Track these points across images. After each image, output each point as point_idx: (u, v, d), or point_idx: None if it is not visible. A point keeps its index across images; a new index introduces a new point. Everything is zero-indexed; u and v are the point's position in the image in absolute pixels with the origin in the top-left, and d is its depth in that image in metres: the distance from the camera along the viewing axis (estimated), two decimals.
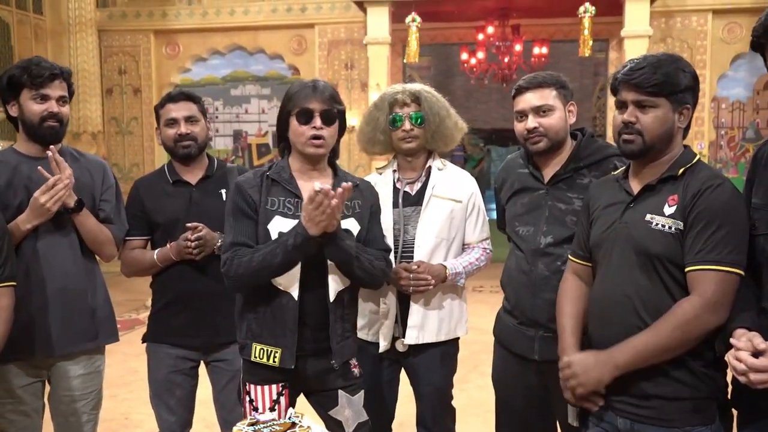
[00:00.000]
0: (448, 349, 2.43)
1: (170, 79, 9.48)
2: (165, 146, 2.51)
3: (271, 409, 2.05)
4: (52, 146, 2.15)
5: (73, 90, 2.34)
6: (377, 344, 2.37)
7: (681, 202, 1.65)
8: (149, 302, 2.63)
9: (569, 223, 2.08)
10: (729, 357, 1.49)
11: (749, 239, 1.61)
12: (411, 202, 2.39)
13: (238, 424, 1.69)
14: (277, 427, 1.64)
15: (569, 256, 1.99)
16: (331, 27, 9.22)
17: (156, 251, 2.43)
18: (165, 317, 2.47)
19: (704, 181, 1.64)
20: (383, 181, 2.42)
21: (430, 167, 2.41)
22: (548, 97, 2.12)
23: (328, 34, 9.24)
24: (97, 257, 2.37)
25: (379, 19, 8.08)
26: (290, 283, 1.99)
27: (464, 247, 2.43)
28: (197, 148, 2.47)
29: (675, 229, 1.64)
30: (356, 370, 2.15)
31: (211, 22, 9.33)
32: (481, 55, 8.30)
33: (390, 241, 2.30)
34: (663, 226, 1.66)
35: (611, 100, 8.15)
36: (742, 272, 1.59)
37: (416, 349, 2.36)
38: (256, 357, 2.04)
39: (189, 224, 2.34)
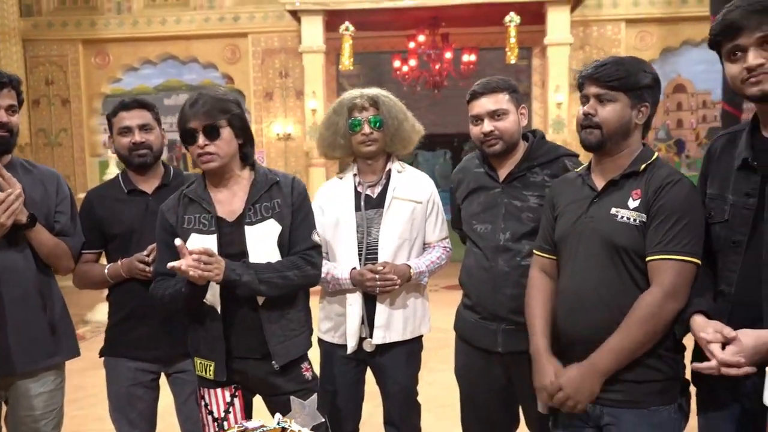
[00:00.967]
0: (414, 347, 2.50)
1: (100, 90, 9.30)
2: (119, 155, 2.44)
3: (226, 412, 2.09)
4: None
5: (23, 99, 2.26)
6: (344, 346, 2.42)
7: (644, 196, 1.74)
8: (89, 316, 2.54)
9: (525, 219, 2.16)
10: (702, 366, 1.57)
11: (705, 228, 1.70)
12: (373, 204, 2.43)
13: (229, 429, 1.73)
14: None
15: (535, 251, 2.03)
16: (264, 36, 9.29)
17: (107, 267, 2.36)
18: (123, 331, 2.40)
19: (665, 177, 1.74)
20: (343, 186, 2.49)
21: (389, 170, 2.46)
22: (502, 101, 2.19)
23: (261, 43, 9.30)
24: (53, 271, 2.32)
25: (313, 28, 8.21)
26: (212, 297, 2.02)
27: (425, 246, 2.52)
28: (153, 156, 2.40)
29: (639, 221, 1.73)
30: (308, 374, 2.14)
31: (141, 32, 9.22)
32: (413, 62, 8.56)
33: (354, 244, 2.39)
34: (628, 218, 1.75)
35: (536, 105, 8.59)
36: (698, 261, 1.68)
37: (383, 348, 2.41)
38: (198, 371, 2.11)
39: (150, 247, 2.28)
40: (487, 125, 2.18)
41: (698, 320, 1.63)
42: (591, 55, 9.07)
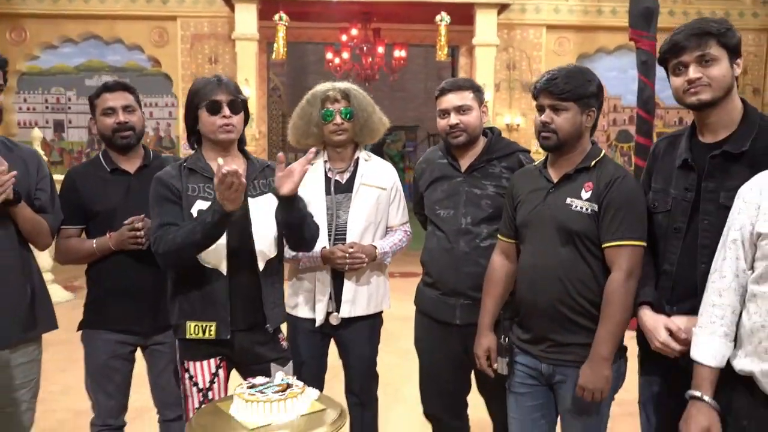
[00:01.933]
0: (375, 322, 2.69)
1: (15, 67, 8.83)
2: (102, 136, 2.50)
3: (211, 382, 2.20)
4: None
5: (7, 79, 2.29)
6: (311, 320, 2.60)
7: (595, 188, 2.00)
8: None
9: (484, 205, 2.41)
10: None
11: (649, 217, 1.99)
12: (342, 189, 2.61)
13: (237, 387, 1.88)
14: (276, 387, 1.86)
15: (498, 236, 2.28)
16: (194, 20, 9.14)
17: (95, 240, 2.44)
18: (104, 305, 2.47)
19: (613, 172, 2.02)
20: (314, 172, 2.63)
21: (357, 158, 2.64)
22: (467, 98, 2.43)
23: (191, 28, 9.15)
24: (32, 247, 2.35)
25: (247, 16, 8.18)
26: (218, 260, 2.13)
27: (387, 229, 2.72)
28: (135, 137, 2.48)
29: (591, 210, 2.00)
30: (284, 343, 2.31)
31: (62, 8, 8.85)
32: (346, 55, 8.70)
33: (324, 225, 2.54)
34: (581, 208, 2.01)
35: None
36: (645, 244, 1.97)
37: (347, 322, 2.59)
38: (191, 334, 2.15)
39: (132, 218, 2.37)
40: (453, 118, 2.42)
41: (647, 314, 1.95)
42: (514, 57, 9.54)
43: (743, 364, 1.62)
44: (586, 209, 2.02)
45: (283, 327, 2.39)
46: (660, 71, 2.14)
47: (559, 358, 2.08)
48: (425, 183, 2.60)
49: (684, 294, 1.89)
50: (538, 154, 2.35)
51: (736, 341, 1.67)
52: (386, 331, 2.78)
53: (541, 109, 2.08)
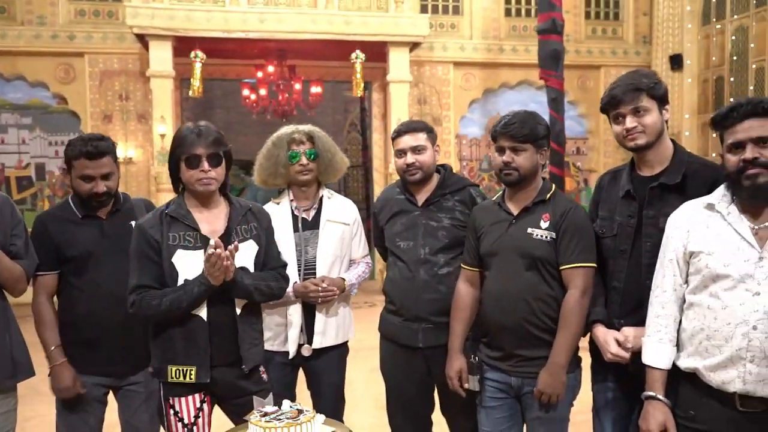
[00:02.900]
0: (342, 351, 2.83)
1: None
2: (75, 191, 2.50)
3: (196, 417, 2.26)
4: None
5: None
6: (282, 353, 2.70)
7: (552, 218, 2.27)
8: None
9: (440, 236, 2.59)
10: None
11: (598, 241, 2.25)
12: (308, 226, 2.75)
13: (251, 417, 1.97)
14: (289, 414, 1.98)
15: (462, 266, 2.47)
16: (103, 57, 8.94)
17: (55, 355, 2.44)
18: (79, 351, 2.47)
19: (566, 204, 2.31)
20: (281, 210, 2.76)
21: (321, 196, 2.80)
22: (421, 139, 2.63)
23: (99, 64, 8.93)
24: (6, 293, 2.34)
25: (161, 53, 8.11)
26: (199, 306, 2.21)
27: (351, 262, 2.87)
28: (110, 198, 2.50)
29: (550, 237, 2.26)
30: (264, 376, 2.41)
31: None
32: (263, 92, 8.79)
33: (293, 261, 2.66)
34: (541, 236, 2.27)
35: (375, 136, 9.21)
36: (595, 265, 2.24)
37: (318, 352, 2.71)
38: (172, 378, 2.21)
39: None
40: (410, 158, 2.62)
41: (600, 330, 2.21)
42: (424, 92, 9.99)
43: (687, 362, 1.90)
44: (546, 237, 2.28)
45: None
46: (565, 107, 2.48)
47: (528, 371, 2.30)
48: (385, 218, 2.77)
49: (631, 308, 2.17)
50: (483, 188, 2.57)
51: (678, 345, 1.95)
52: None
53: (501, 150, 2.33)
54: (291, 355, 2.69)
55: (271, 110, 9.08)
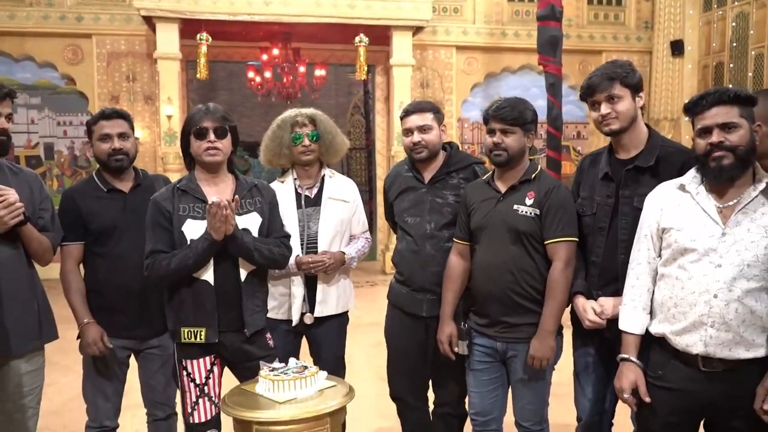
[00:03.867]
0: (343, 320, 3.02)
1: None
2: (98, 159, 2.71)
3: (207, 378, 2.46)
4: None
5: (15, 107, 2.49)
6: (286, 321, 2.88)
7: (537, 196, 2.45)
8: None
9: (445, 212, 2.75)
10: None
11: (578, 219, 2.44)
12: (311, 203, 2.92)
13: (261, 372, 2.19)
14: (295, 369, 2.21)
15: (454, 239, 2.66)
16: (110, 38, 9.06)
17: (84, 321, 2.63)
18: (107, 314, 2.66)
19: (550, 183, 2.49)
20: (285, 188, 2.94)
21: (323, 175, 2.98)
22: (428, 119, 2.77)
23: (107, 46, 9.06)
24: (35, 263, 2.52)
25: (168, 35, 8.23)
26: (206, 272, 2.41)
27: (351, 237, 3.05)
28: (128, 161, 2.70)
29: (534, 214, 2.44)
30: (271, 342, 2.60)
31: None
32: (268, 74, 8.91)
33: (296, 236, 2.84)
34: (526, 212, 2.46)
35: (378, 118, 9.37)
36: (577, 239, 2.43)
37: (319, 321, 2.89)
38: (185, 339, 2.43)
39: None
40: (416, 136, 2.76)
41: (580, 300, 2.41)
42: (427, 76, 10.10)
43: (657, 328, 2.11)
44: (531, 213, 2.46)
45: None
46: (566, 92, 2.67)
47: (512, 336, 2.51)
48: (394, 194, 2.94)
49: (608, 280, 2.37)
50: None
51: (651, 313, 2.15)
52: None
53: (491, 132, 2.51)
54: (294, 323, 2.87)
55: (276, 93, 9.22)
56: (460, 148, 3.04)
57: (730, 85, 9.11)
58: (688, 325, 1.99)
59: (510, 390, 2.64)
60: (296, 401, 2.20)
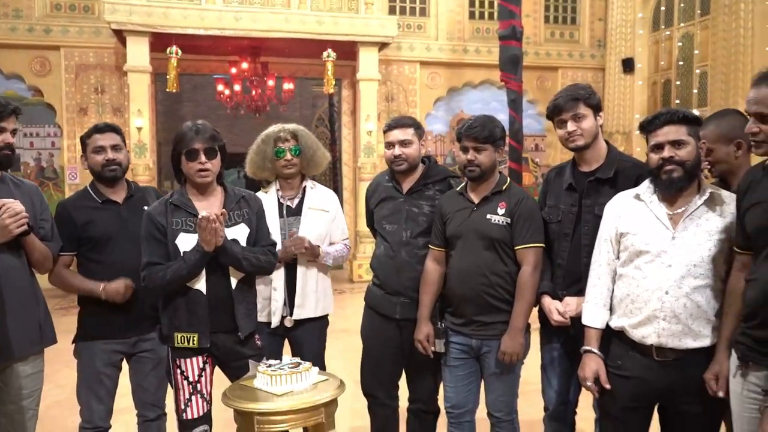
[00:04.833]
0: (323, 323, 3.16)
1: None
2: (92, 171, 2.82)
3: (199, 376, 2.60)
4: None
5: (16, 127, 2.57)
6: (266, 323, 3.02)
7: (508, 206, 2.67)
8: None
9: (421, 221, 2.92)
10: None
11: (545, 226, 2.67)
12: (292, 213, 3.09)
13: (258, 367, 2.36)
14: (288, 367, 2.39)
15: (430, 246, 2.84)
16: (78, 51, 9.08)
17: (100, 285, 2.73)
18: (101, 318, 2.78)
19: (519, 195, 2.71)
20: (269, 198, 3.10)
21: (305, 186, 3.14)
22: (409, 133, 2.93)
23: (75, 58, 9.08)
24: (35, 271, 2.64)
25: (139, 48, 8.33)
26: (199, 282, 2.55)
27: (331, 244, 3.20)
28: (122, 171, 2.82)
29: (505, 223, 2.65)
30: (259, 342, 2.74)
31: None
32: (237, 87, 9.06)
33: (279, 243, 2.96)
34: (499, 221, 2.66)
35: (345, 131, 9.53)
36: (544, 245, 2.64)
37: (299, 323, 3.04)
38: (178, 343, 2.56)
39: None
40: (397, 150, 2.95)
41: (546, 300, 2.63)
42: (392, 90, 10.39)
43: (616, 322, 2.36)
44: (502, 222, 2.69)
45: None
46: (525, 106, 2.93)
47: (486, 334, 2.72)
48: (374, 202, 3.13)
49: (572, 281, 2.61)
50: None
51: (611, 309, 2.40)
52: None
53: (465, 150, 2.73)
54: (273, 325, 3.02)
55: (245, 105, 9.37)
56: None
57: (677, 102, 9.68)
58: (644, 319, 2.24)
59: (483, 383, 2.84)
60: (293, 394, 2.38)
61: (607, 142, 2.68)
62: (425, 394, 3.07)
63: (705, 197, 2.24)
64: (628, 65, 10.58)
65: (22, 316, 2.49)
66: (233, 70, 9.24)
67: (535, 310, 2.75)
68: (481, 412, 2.87)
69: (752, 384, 2.02)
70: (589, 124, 2.57)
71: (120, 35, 8.40)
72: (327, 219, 3.17)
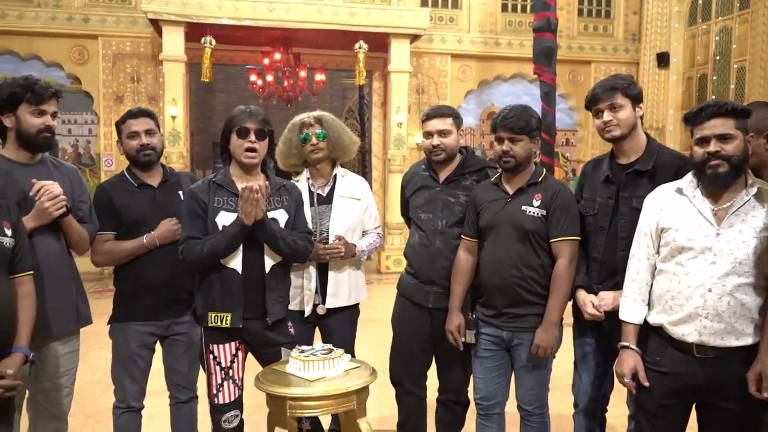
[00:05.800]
0: (354, 311, 3.16)
1: None
2: (127, 156, 2.87)
3: (231, 362, 2.63)
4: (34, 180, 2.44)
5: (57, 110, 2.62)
6: (299, 311, 2.99)
7: (543, 198, 2.64)
8: None
9: (456, 211, 2.91)
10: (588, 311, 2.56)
11: (581, 219, 2.64)
12: (323, 201, 3.07)
13: (291, 353, 2.39)
14: (321, 353, 2.41)
15: (462, 236, 2.83)
16: (116, 40, 9.23)
17: (144, 237, 2.77)
18: (136, 299, 2.82)
19: (555, 187, 2.68)
20: (300, 187, 3.06)
21: (335, 175, 3.13)
22: (448, 123, 2.92)
23: (113, 47, 9.23)
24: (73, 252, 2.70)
25: (174, 38, 8.42)
26: (235, 261, 2.56)
27: (363, 232, 3.21)
28: (156, 155, 2.86)
29: (540, 214, 2.63)
30: (292, 330, 2.75)
31: None
32: (270, 78, 9.14)
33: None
34: (534, 213, 2.64)
35: (375, 122, 9.58)
36: (579, 238, 2.63)
37: (332, 312, 3.03)
38: (212, 323, 2.57)
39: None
40: (436, 140, 2.93)
41: (581, 294, 2.62)
42: (423, 83, 10.37)
43: (655, 318, 2.32)
44: (538, 214, 2.66)
45: None
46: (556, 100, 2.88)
47: (517, 326, 2.70)
48: (410, 191, 3.13)
49: (608, 274, 2.59)
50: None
51: (649, 304, 2.37)
52: None
53: (500, 140, 2.71)
54: (307, 313, 3.03)
55: (277, 96, 9.43)
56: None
57: (713, 97, 9.52)
58: (684, 316, 2.20)
59: (513, 376, 2.83)
60: (325, 379, 2.40)
61: (646, 134, 2.64)
62: (455, 385, 3.07)
63: (753, 192, 2.18)
64: (663, 60, 10.40)
65: (60, 297, 2.55)
66: (266, 61, 9.30)
67: (569, 303, 2.72)
68: (511, 405, 2.86)
69: None
70: (626, 115, 2.54)
71: (156, 25, 8.51)
72: (359, 207, 3.17)
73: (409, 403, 3.14)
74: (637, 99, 2.57)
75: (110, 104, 9.16)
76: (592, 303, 2.57)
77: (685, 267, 2.22)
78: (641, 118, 2.62)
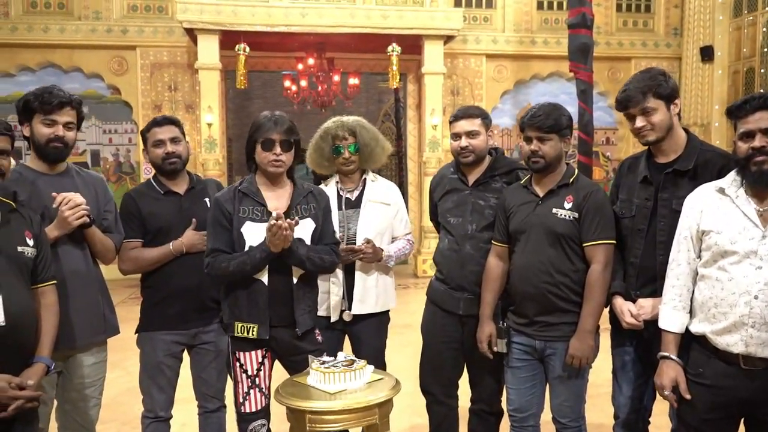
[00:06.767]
0: (383, 318, 3.08)
1: None
2: (153, 164, 2.87)
3: (258, 370, 2.60)
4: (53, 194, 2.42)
5: (83, 117, 2.63)
6: (327, 318, 2.96)
7: (575, 200, 2.52)
8: None
9: (487, 214, 2.82)
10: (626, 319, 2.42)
11: (617, 221, 2.50)
12: (351, 205, 3.03)
13: (312, 365, 2.33)
14: (342, 365, 2.34)
15: (493, 242, 2.74)
16: (153, 50, 9.39)
17: (170, 244, 2.76)
18: (162, 308, 2.80)
19: (587, 188, 2.56)
20: (328, 191, 3.03)
21: (365, 179, 3.08)
22: (476, 124, 2.83)
23: (150, 57, 9.39)
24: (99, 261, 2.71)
25: (209, 46, 8.52)
26: (262, 272, 2.52)
27: (393, 239, 3.15)
28: (182, 163, 2.86)
29: (572, 217, 2.51)
30: (319, 338, 2.70)
31: (21, 38, 8.95)
32: (304, 83, 9.18)
33: (337, 235, 2.91)
34: (565, 215, 2.52)
35: (410, 125, 9.50)
36: (615, 242, 2.49)
37: (358, 318, 2.97)
38: (238, 333, 2.55)
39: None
40: (464, 141, 2.84)
41: (618, 301, 2.48)
42: (458, 84, 10.26)
43: (698, 327, 2.18)
44: (569, 217, 2.54)
45: None
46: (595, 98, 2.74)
47: (550, 335, 2.58)
48: (439, 194, 3.04)
49: (646, 280, 2.45)
50: None
51: (691, 312, 2.23)
52: None
53: (528, 140, 2.60)
54: (333, 319, 2.97)
55: (311, 101, 9.47)
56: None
57: (761, 91, 9.14)
58: (729, 326, 2.05)
59: (548, 387, 2.71)
60: (346, 392, 2.32)
61: (686, 131, 2.49)
62: (487, 395, 2.98)
63: None
64: (706, 54, 10.05)
65: (85, 307, 2.55)
66: (300, 66, 9.34)
67: (606, 310, 2.59)
68: (546, 416, 2.75)
69: None
70: (660, 117, 2.38)
71: (191, 34, 8.62)
72: (388, 213, 3.11)
73: (440, 413, 3.07)
74: (670, 97, 2.41)
75: (149, 113, 9.31)
76: (630, 312, 2.43)
77: (728, 272, 2.08)
78: (678, 114, 2.47)
